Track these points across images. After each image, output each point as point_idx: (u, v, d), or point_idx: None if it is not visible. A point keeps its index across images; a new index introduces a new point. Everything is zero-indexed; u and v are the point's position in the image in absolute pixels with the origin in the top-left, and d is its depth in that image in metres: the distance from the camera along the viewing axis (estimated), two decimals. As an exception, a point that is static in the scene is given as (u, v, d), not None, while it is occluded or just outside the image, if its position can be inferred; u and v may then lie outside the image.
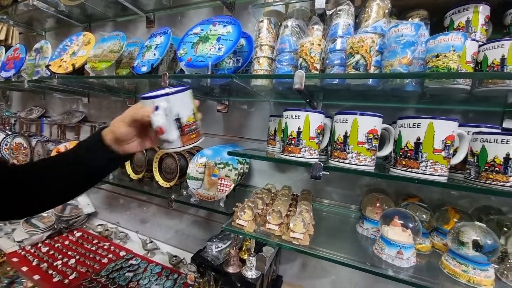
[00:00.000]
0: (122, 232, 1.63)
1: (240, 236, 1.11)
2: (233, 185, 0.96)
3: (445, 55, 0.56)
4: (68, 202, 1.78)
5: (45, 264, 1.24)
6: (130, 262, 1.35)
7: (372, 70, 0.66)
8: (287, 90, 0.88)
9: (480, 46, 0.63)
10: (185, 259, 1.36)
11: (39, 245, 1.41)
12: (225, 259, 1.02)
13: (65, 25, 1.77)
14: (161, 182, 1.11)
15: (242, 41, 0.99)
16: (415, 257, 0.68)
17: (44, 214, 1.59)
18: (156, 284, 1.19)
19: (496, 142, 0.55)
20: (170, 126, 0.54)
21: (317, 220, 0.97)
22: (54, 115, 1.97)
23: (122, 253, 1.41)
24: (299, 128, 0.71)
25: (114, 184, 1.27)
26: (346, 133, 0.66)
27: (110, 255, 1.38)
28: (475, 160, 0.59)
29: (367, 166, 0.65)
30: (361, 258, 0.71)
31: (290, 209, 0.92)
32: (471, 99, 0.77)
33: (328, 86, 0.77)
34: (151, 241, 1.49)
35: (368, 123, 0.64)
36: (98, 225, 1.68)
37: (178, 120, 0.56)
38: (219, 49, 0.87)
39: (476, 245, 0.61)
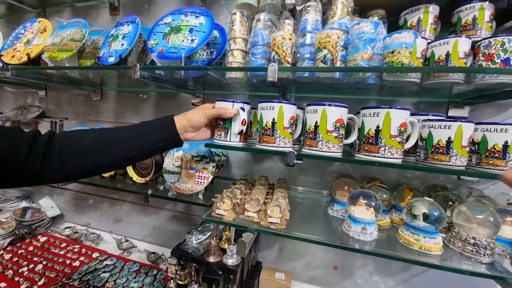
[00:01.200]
0: (94, 233, 1.55)
1: (220, 227, 1.13)
2: (211, 177, 0.98)
3: (398, 52, 0.63)
4: (28, 205, 1.65)
5: (10, 271, 1.15)
6: (105, 262, 1.30)
7: (338, 64, 0.71)
8: (261, 83, 0.91)
9: (428, 43, 0.72)
10: (164, 254, 1.35)
11: (1, 252, 1.29)
12: (206, 250, 1.04)
13: (17, 11, 1.58)
14: (136, 178, 1.08)
15: (215, 32, 0.99)
16: (377, 231, 0.77)
17: (2, 219, 1.44)
18: (134, 282, 1.17)
19: (440, 128, 0.65)
20: (237, 123, 0.76)
21: (292, 206, 1.03)
22: (6, 110, 1.76)
23: (95, 255, 1.35)
24: (273, 119, 0.74)
25: (84, 183, 1.20)
26: (316, 122, 0.71)
27: (82, 258, 1.31)
28: (424, 144, 0.68)
29: (335, 152, 0.72)
30: (331, 236, 0.78)
31: (267, 197, 0.97)
32: (422, 91, 0.87)
33: (299, 79, 0.81)
34: (127, 240, 1.45)
35: (336, 113, 0.69)
36: (66, 228, 1.57)
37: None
38: (192, 40, 0.86)
39: (425, 217, 0.71)
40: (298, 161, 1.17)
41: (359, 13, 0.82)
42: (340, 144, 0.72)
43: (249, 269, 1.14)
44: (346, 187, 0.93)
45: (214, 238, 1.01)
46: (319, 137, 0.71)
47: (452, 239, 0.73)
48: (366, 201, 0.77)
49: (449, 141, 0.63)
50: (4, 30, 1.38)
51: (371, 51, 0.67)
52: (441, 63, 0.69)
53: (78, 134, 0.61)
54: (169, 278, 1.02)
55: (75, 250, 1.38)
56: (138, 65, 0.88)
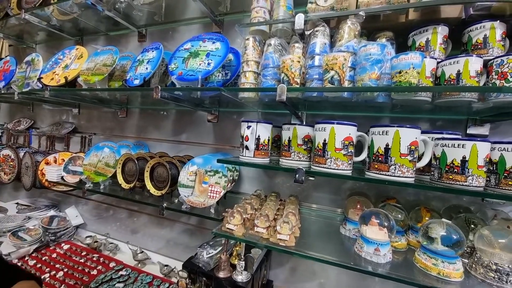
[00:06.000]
0: (112, 243, 1.61)
1: (231, 242, 1.14)
2: (223, 191, 1.00)
3: (406, 72, 0.65)
4: (55, 214, 1.77)
5: (32, 278, 1.22)
6: (120, 273, 1.34)
7: (346, 84, 0.73)
8: (272, 102, 0.95)
9: (438, 62, 0.72)
10: (176, 268, 1.37)
11: (26, 258, 1.38)
12: (216, 265, 1.04)
13: (57, 38, 1.81)
14: (153, 190, 1.14)
15: (230, 56, 1.06)
16: (391, 253, 0.74)
17: (30, 226, 1.56)
18: (147, 294, 1.19)
19: (454, 147, 0.63)
20: (252, 139, 0.85)
21: (304, 223, 1.03)
22: (43, 126, 1.96)
23: (112, 264, 1.40)
24: (289, 137, 0.85)
25: (105, 194, 1.28)
26: (324, 140, 0.72)
27: (99, 267, 1.36)
28: (437, 163, 0.66)
29: (344, 170, 0.72)
30: (343, 256, 0.76)
31: (278, 213, 0.97)
32: (436, 109, 0.86)
33: (309, 98, 0.84)
34: (142, 251, 1.48)
35: (344, 131, 0.71)
36: (87, 237, 1.65)
37: (258, 139, 0.86)
38: (209, 64, 0.93)
39: (444, 240, 0.67)
40: (310, 178, 1.18)
41: (367, 35, 0.85)
42: (349, 162, 0.72)
43: (259, 287, 1.11)
44: (359, 206, 0.91)
45: (225, 253, 1.02)
46: (327, 155, 0.72)
47: (473, 265, 0.68)
48: (378, 221, 0.75)
49: (464, 161, 0.61)
50: (44, 55, 1.58)
51: (378, 71, 0.68)
52: (452, 82, 0.69)
53: None
54: (180, 292, 1.03)
55: (94, 259, 1.44)
56: (159, 86, 0.96)
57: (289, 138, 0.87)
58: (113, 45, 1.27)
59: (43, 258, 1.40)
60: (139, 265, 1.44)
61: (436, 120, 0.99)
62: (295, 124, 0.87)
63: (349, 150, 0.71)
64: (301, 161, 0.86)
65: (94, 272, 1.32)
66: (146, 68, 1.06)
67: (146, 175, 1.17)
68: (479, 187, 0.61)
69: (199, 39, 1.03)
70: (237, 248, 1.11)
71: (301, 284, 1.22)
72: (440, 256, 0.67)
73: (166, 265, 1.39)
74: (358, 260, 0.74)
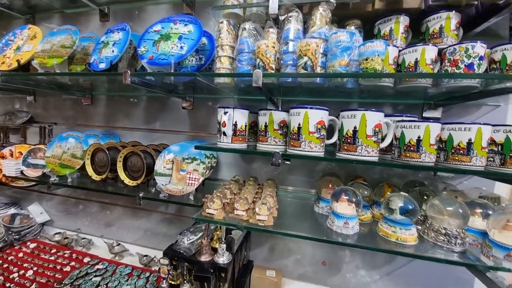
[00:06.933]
0: (85, 238, 1.54)
1: (212, 227, 1.16)
2: (202, 178, 1.01)
3: (372, 59, 0.69)
4: (17, 211, 1.63)
5: (1, 278, 1.14)
6: (96, 267, 1.30)
7: (318, 70, 0.76)
8: (248, 87, 0.95)
9: (400, 51, 0.79)
10: (156, 257, 1.37)
11: (-10, 258, 1.28)
12: (197, 250, 1.06)
13: (5, 17, 1.58)
14: (127, 181, 1.10)
15: (204, 39, 1.03)
16: (358, 225, 0.83)
17: (-11, 226, 1.42)
18: (127, 285, 1.18)
19: (411, 128, 0.71)
20: (229, 125, 0.85)
21: (281, 204, 1.08)
22: (-8, 116, 1.74)
23: (86, 260, 1.36)
24: (265, 123, 0.86)
25: (74, 187, 1.21)
26: (299, 124, 0.76)
27: (73, 263, 1.31)
28: (397, 143, 0.74)
29: (317, 152, 0.76)
30: (317, 232, 0.84)
31: (256, 196, 1.01)
32: (397, 94, 0.94)
33: (284, 84, 0.86)
34: (118, 244, 1.45)
35: (317, 116, 0.74)
36: (56, 233, 1.56)
37: (235, 125, 0.86)
38: (181, 47, 0.90)
39: (402, 211, 0.76)
40: (286, 162, 1.22)
41: (338, 22, 0.88)
42: (322, 144, 0.77)
43: (240, 267, 1.17)
44: (330, 185, 0.98)
45: (206, 238, 1.04)
46: (302, 138, 0.75)
47: (426, 230, 0.79)
48: (347, 198, 0.82)
49: (418, 140, 0.69)
50: (-9, 36, 1.38)
51: (348, 58, 0.72)
52: (411, 69, 0.75)
53: None
54: (162, 278, 1.04)
55: (66, 255, 1.37)
56: (129, 71, 0.91)
57: (266, 123, 0.89)
58: (71, 24, 1.15)
59: (9, 258, 1.30)
60: (117, 257, 1.41)
61: (397, 104, 1.08)
62: (271, 109, 0.89)
63: (322, 133, 0.76)
64: (278, 145, 0.89)
65: (67, 268, 1.26)
66: (112, 51, 0.99)
67: (119, 165, 1.12)
68: (430, 162, 0.70)
69: (170, 20, 0.98)
70: (217, 233, 1.14)
71: (279, 261, 1.30)
72: (398, 224, 0.77)
73: (146, 255, 1.38)
74: (330, 233, 0.81)
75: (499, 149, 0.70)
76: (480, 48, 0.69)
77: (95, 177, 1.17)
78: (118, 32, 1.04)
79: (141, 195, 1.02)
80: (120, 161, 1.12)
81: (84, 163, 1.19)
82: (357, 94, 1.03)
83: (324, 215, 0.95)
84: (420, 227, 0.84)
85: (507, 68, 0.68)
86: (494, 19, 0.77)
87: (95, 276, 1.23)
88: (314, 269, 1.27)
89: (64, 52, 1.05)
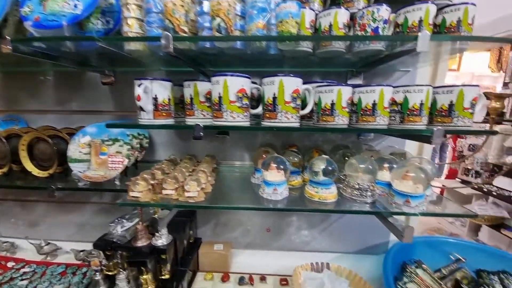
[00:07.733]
0: (6, 242, 1.34)
1: (151, 211, 1.10)
2: (127, 160, 0.92)
3: (286, 21, 0.67)
4: None
5: None
6: (22, 270, 1.17)
7: (236, 33, 0.71)
8: (169, 56, 0.86)
9: (317, 14, 0.78)
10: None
11: None
12: (133, 236, 1.00)
13: None
14: (36, 172, 0.94)
15: (111, -1, 0.87)
16: (288, 190, 0.87)
17: None
18: (59, 284, 1.08)
19: (326, 92, 0.73)
20: (147, 99, 0.77)
21: (221, 179, 1.08)
22: None
23: (10, 264, 1.21)
24: (190, 95, 0.81)
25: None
26: (219, 94, 0.72)
27: (-7, 270, 1.13)
28: (316, 108, 0.76)
29: (241, 122, 0.74)
30: (250, 201, 0.85)
31: (191, 174, 0.97)
32: (323, 62, 0.95)
33: (205, 50, 0.79)
34: (48, 243, 1.29)
35: (237, 84, 0.71)
36: (-35, 242, 1.31)
37: (155, 98, 0.78)
38: (76, 6, 0.74)
39: (323, 172, 0.82)
40: (224, 136, 1.20)
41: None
42: (246, 114, 0.75)
43: (185, 246, 1.16)
44: (264, 155, 0.99)
45: (141, 223, 0.98)
46: (223, 108, 0.72)
47: (344, 187, 0.87)
48: (276, 165, 0.84)
49: (332, 104, 0.72)
50: None
51: (264, 20, 0.69)
52: (326, 33, 0.76)
53: None
54: (95, 271, 0.97)
55: (-18, 263, 1.18)
56: (8, 37, 0.73)
57: (191, 95, 0.83)
58: None
59: None
60: (48, 258, 1.27)
61: (325, 73, 1.12)
62: (195, 80, 0.83)
63: (244, 103, 0.73)
64: (206, 118, 0.85)
65: (-15, 277, 1.09)
66: (-16, 12, 0.77)
67: (23, 154, 0.95)
68: (344, 124, 0.75)
69: (59, -28, 0.79)
70: (155, 216, 1.09)
71: (228, 234, 1.34)
72: (319, 185, 0.82)
73: (82, 250, 1.26)
74: (262, 201, 0.84)
75: (399, 108, 0.77)
76: (384, 11, 0.73)
77: (-6, 171, 0.97)
78: (-10, -14, 0.80)
79: (53, 186, 0.89)
80: (23, 149, 0.94)
81: (-25, 156, 0.97)
82: (287, 62, 1.02)
83: (259, 185, 0.97)
84: (340, 186, 0.92)
85: (408, 31, 0.73)
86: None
87: (22, 280, 1.10)
88: (261, 236, 1.33)
89: None
